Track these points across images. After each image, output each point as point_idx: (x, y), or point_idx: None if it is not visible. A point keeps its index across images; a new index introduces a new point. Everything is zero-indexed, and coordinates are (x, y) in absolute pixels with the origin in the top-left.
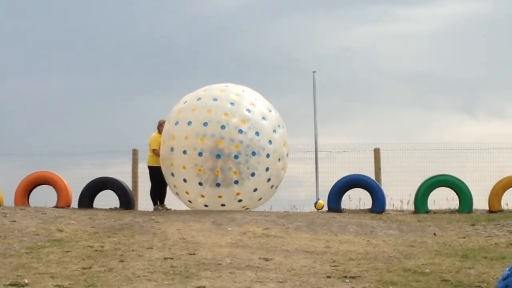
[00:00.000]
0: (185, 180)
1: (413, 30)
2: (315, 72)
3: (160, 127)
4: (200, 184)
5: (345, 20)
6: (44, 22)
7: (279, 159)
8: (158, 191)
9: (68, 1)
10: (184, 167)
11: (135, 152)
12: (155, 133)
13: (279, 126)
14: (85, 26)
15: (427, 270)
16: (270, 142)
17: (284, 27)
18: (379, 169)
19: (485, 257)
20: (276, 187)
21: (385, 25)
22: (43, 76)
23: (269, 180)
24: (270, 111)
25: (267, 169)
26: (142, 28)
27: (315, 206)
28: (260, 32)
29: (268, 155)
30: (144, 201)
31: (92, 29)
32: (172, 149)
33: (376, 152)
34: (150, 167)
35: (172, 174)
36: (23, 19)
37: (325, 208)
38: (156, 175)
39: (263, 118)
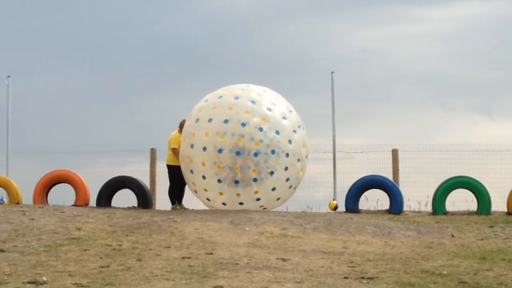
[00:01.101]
0: (204, 177)
1: (430, 31)
2: (333, 72)
3: (182, 126)
4: (219, 181)
5: (362, 20)
6: (65, 21)
7: (299, 160)
8: (177, 190)
9: (90, 2)
10: (203, 164)
11: (153, 151)
12: (175, 131)
13: (299, 126)
14: (104, 26)
15: (445, 272)
16: (290, 141)
17: (302, 27)
18: (397, 170)
19: (504, 259)
20: (295, 188)
21: (403, 26)
22: (62, 75)
23: (287, 180)
24: (291, 111)
25: (286, 169)
26: (160, 28)
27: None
28: (278, 32)
29: (287, 155)
30: (162, 200)
31: (111, 29)
32: (192, 146)
33: (394, 153)
34: (169, 166)
35: (191, 171)
36: (44, 17)
37: (343, 209)
38: (175, 174)
39: (284, 117)
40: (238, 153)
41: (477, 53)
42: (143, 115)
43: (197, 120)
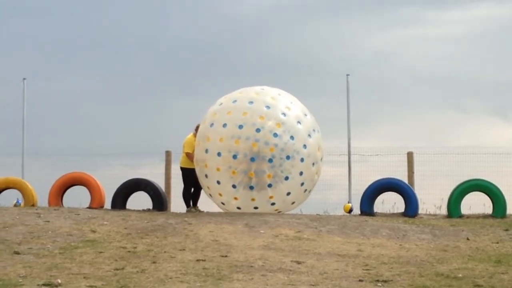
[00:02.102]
0: (218, 182)
1: (446, 32)
2: (348, 75)
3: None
4: (234, 186)
5: (377, 22)
6: (80, 23)
7: (313, 164)
8: (191, 192)
9: (104, 2)
10: (218, 169)
11: (168, 154)
12: (190, 135)
13: (314, 130)
14: (118, 28)
15: (460, 275)
16: (304, 146)
17: (316, 29)
18: (412, 172)
19: None
20: (310, 191)
21: (418, 28)
22: (77, 77)
23: (302, 184)
24: (306, 115)
25: (301, 173)
26: (175, 30)
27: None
28: (293, 34)
29: (302, 159)
30: (177, 203)
31: (126, 31)
32: (206, 150)
33: (410, 155)
34: (183, 169)
35: (206, 176)
36: (60, 19)
37: (358, 212)
38: (189, 176)
39: (298, 122)
40: (252, 159)
41: (492, 55)
42: (158, 117)
43: (211, 125)
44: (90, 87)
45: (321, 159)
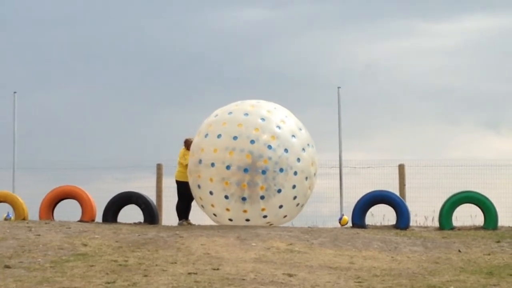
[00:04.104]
0: (211, 193)
1: (438, 45)
2: (340, 87)
3: (187, 144)
4: (226, 197)
5: (369, 35)
6: (71, 36)
7: (307, 178)
8: (185, 206)
9: (94, 16)
10: (211, 180)
11: (159, 167)
12: (183, 149)
13: (308, 145)
14: (111, 40)
15: (452, 287)
16: (298, 160)
17: (309, 42)
18: (404, 185)
19: (511, 274)
20: (302, 205)
21: (410, 40)
22: (68, 90)
23: (295, 198)
24: (300, 129)
25: (293, 187)
26: (168, 43)
27: (339, 222)
28: (285, 46)
29: (295, 173)
30: (168, 216)
31: (118, 43)
32: (200, 161)
33: (401, 168)
34: (178, 182)
35: (199, 186)
36: (51, 32)
37: (349, 224)
38: (184, 190)
39: (293, 136)
40: (246, 170)
41: (485, 67)
42: (150, 130)
43: (206, 135)
44: (81, 100)
45: (315, 174)
